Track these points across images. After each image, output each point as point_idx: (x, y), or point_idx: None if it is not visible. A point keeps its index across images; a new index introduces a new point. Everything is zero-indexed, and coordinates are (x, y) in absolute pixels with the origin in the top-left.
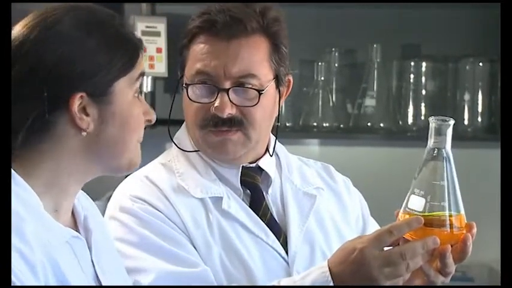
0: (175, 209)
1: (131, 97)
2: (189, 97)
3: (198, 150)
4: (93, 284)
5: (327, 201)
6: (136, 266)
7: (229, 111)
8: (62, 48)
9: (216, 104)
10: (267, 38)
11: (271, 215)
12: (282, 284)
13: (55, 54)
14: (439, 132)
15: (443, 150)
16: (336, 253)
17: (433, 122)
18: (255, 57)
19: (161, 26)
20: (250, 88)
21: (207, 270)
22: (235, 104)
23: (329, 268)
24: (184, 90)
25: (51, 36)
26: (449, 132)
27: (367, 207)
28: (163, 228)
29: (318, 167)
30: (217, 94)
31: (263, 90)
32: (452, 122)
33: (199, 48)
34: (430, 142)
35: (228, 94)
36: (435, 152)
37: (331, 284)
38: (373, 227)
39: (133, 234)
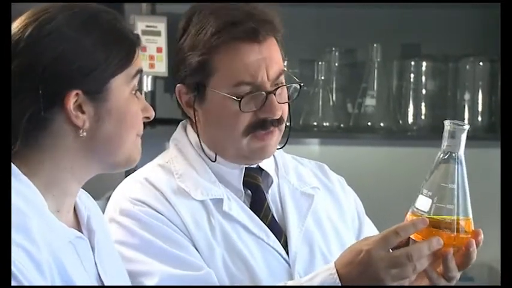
0: (176, 211)
1: (128, 94)
2: (241, 109)
3: (215, 159)
4: (95, 284)
5: (324, 200)
6: (139, 270)
7: (280, 111)
8: (56, 46)
9: (268, 107)
10: (274, 35)
11: (272, 215)
12: (289, 285)
13: (49, 52)
14: (453, 136)
15: (456, 154)
16: (343, 254)
17: (447, 125)
18: (279, 55)
19: (161, 26)
20: (289, 85)
21: (210, 273)
22: (279, 103)
23: (336, 269)
24: (230, 102)
25: (44, 34)
26: (464, 137)
27: (362, 207)
28: (165, 231)
29: (313, 166)
30: (266, 98)
31: (302, 83)
32: (467, 127)
33: (231, 58)
34: (444, 145)
35: (274, 95)
36: (448, 155)
37: (339, 285)
38: (368, 226)
39: (135, 237)
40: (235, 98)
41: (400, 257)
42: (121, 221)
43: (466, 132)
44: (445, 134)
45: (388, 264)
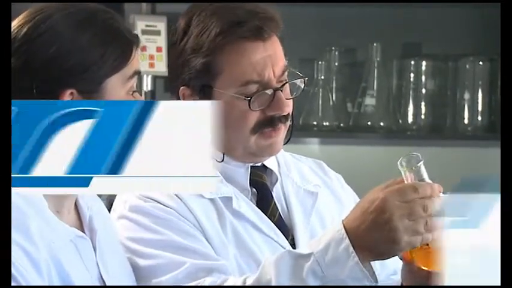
0: (189, 208)
1: (124, 95)
2: (251, 108)
3: (222, 159)
4: (97, 284)
5: (325, 198)
6: (155, 264)
7: (287, 107)
8: (50, 45)
9: (276, 104)
10: (276, 32)
11: (279, 214)
12: (295, 251)
13: (43, 51)
14: (416, 173)
15: None
16: (354, 209)
17: (403, 169)
18: (282, 51)
19: (161, 25)
20: (295, 80)
21: (226, 264)
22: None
23: (344, 226)
24: (238, 102)
25: (39, 34)
26: (423, 167)
27: None
28: (179, 224)
29: (311, 163)
30: (274, 95)
31: (307, 77)
32: (421, 161)
33: (237, 58)
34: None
35: (281, 91)
36: None
37: (347, 240)
38: None
39: (148, 232)
40: (244, 97)
41: (416, 206)
42: (132, 217)
43: (422, 163)
44: (406, 174)
45: (403, 212)
